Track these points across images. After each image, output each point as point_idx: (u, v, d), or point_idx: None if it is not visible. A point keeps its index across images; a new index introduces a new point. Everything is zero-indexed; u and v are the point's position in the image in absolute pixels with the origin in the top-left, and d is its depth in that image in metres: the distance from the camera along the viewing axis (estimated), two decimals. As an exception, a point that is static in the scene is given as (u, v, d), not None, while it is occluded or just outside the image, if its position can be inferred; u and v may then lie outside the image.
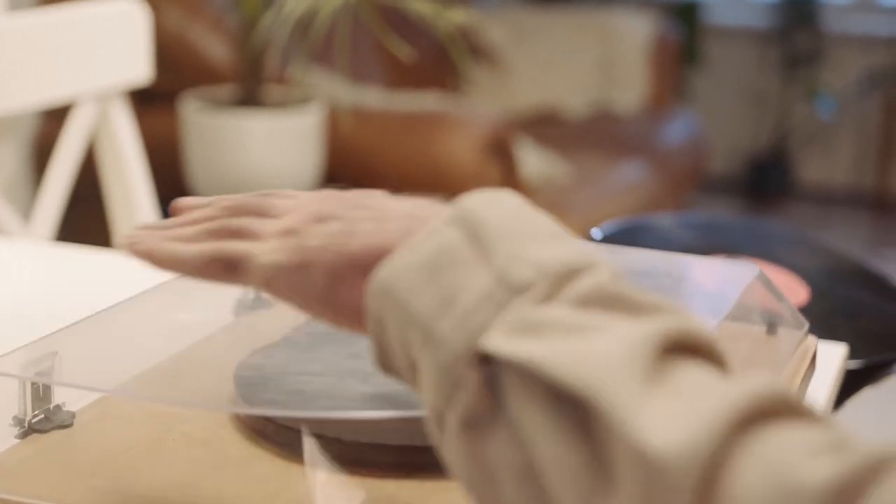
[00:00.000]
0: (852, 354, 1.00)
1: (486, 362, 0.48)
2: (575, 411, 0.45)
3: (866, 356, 1.07)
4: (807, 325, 0.85)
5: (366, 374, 0.68)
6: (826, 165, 4.81)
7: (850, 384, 1.04)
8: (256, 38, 2.16)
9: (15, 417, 0.69)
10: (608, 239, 1.21)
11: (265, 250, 0.57)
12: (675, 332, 0.47)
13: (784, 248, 1.24)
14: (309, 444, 0.64)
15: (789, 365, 0.80)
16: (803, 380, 0.81)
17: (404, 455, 0.64)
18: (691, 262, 0.90)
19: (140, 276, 1.08)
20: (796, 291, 1.13)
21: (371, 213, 0.57)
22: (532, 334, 0.48)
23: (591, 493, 0.45)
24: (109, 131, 1.56)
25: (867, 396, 1.07)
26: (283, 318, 0.86)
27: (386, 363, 0.54)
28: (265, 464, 0.66)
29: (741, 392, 0.43)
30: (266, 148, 2.22)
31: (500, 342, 0.48)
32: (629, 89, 3.71)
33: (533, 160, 2.73)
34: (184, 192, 2.30)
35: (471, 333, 0.49)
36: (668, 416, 0.43)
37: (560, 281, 0.50)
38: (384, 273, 0.52)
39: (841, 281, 1.20)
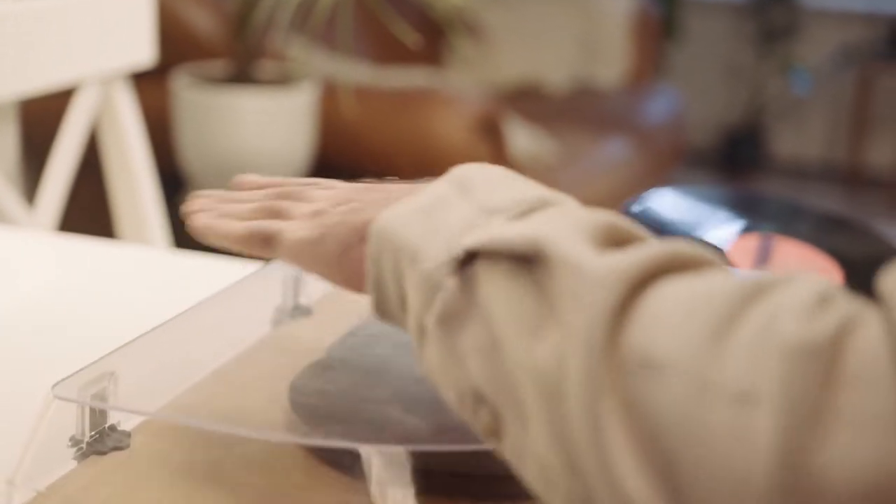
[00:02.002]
0: None
1: (463, 268, 0.55)
2: (530, 273, 0.52)
3: None
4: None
5: (438, 403, 0.67)
6: (799, 139, 4.83)
7: None
8: (256, 17, 2.13)
9: (72, 438, 0.68)
10: (641, 211, 1.19)
11: (293, 228, 0.66)
12: (622, 224, 0.54)
13: (822, 230, 1.21)
14: (381, 471, 0.63)
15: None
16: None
17: (485, 485, 0.64)
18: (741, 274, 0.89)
19: (150, 271, 1.07)
20: (831, 276, 1.11)
21: (382, 194, 0.66)
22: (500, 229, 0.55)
23: (536, 328, 0.51)
24: (112, 115, 1.54)
25: None
26: (323, 328, 0.85)
27: (382, 306, 0.61)
28: (332, 490, 0.65)
29: (666, 246, 0.50)
30: (258, 125, 2.20)
31: (473, 238, 0.55)
32: (610, 64, 3.70)
33: (521, 139, 2.72)
34: (174, 168, 2.28)
35: (451, 246, 0.56)
36: (602, 254, 0.50)
37: (532, 206, 0.56)
38: (382, 217, 0.60)
39: (877, 267, 1.17)
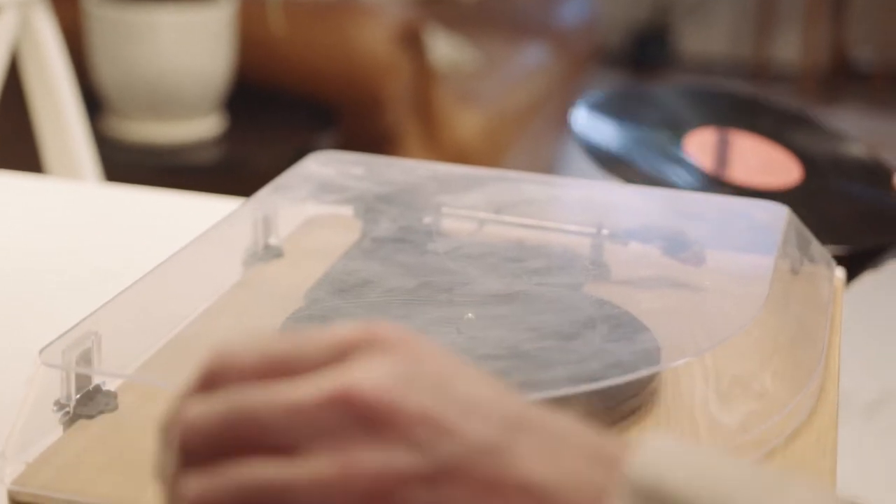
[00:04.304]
0: (847, 239, 0.97)
1: None
2: None
3: (861, 241, 1.03)
4: (836, 266, 0.84)
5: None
6: (706, 37, 4.83)
7: (848, 270, 1.01)
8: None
9: (57, 402, 0.65)
10: (595, 110, 1.16)
11: None
12: None
13: (778, 124, 1.19)
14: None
15: (826, 304, 0.79)
16: (837, 319, 0.80)
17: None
18: (719, 202, 0.88)
19: (85, 208, 1.03)
20: (790, 170, 1.09)
21: (537, 438, 0.42)
22: None
23: None
24: (33, 40, 1.48)
25: (867, 281, 1.04)
26: (297, 270, 0.83)
27: None
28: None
29: None
30: (176, 42, 2.13)
31: None
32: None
33: (441, 47, 2.68)
34: (89, 91, 2.21)
35: None
36: None
37: None
38: None
39: (834, 162, 1.15)
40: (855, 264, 1.02)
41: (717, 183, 1.04)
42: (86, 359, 0.65)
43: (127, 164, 2.15)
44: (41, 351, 0.63)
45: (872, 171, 1.15)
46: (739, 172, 1.06)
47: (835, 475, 0.63)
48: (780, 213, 0.82)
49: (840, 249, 0.99)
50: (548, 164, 3.24)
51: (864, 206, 1.10)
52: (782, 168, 1.09)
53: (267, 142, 2.24)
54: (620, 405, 0.65)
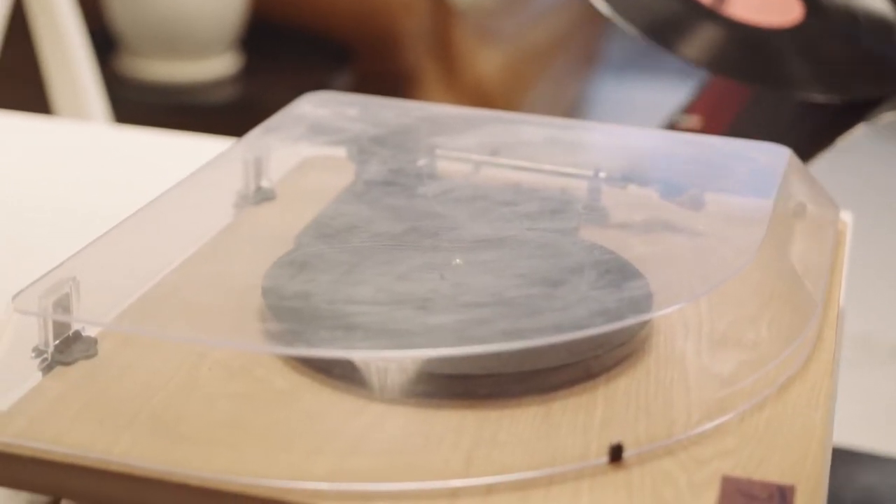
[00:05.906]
0: (843, 87, 0.92)
1: None
2: None
3: (857, 90, 0.98)
4: (838, 209, 0.82)
5: (423, 301, 0.63)
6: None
7: (843, 121, 0.96)
8: None
9: (36, 349, 0.64)
10: None
11: None
12: None
13: None
14: (372, 378, 0.60)
15: (829, 249, 0.77)
16: (839, 264, 0.78)
17: (467, 385, 0.61)
18: (719, 143, 0.86)
19: (93, 150, 1.02)
20: (792, 8, 1.03)
21: None
22: None
23: None
24: (39, -22, 1.46)
25: (861, 134, 1.00)
26: (289, 213, 0.81)
27: None
28: (317, 397, 0.61)
29: None
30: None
31: None
32: None
33: (461, -16, 2.64)
34: (103, 29, 2.19)
35: None
36: None
37: None
38: None
39: (840, 3, 1.08)
40: (850, 114, 0.97)
41: (712, 16, 0.98)
42: (63, 305, 0.64)
43: (142, 103, 2.14)
44: (14, 297, 0.62)
45: (879, 17, 1.07)
46: (738, 7, 1.01)
47: (829, 427, 0.62)
48: (781, 155, 0.80)
49: (835, 98, 0.94)
50: (571, 104, 3.21)
51: (865, 52, 1.04)
52: (784, 6, 1.03)
53: (283, 81, 2.22)
54: (609, 353, 0.63)
